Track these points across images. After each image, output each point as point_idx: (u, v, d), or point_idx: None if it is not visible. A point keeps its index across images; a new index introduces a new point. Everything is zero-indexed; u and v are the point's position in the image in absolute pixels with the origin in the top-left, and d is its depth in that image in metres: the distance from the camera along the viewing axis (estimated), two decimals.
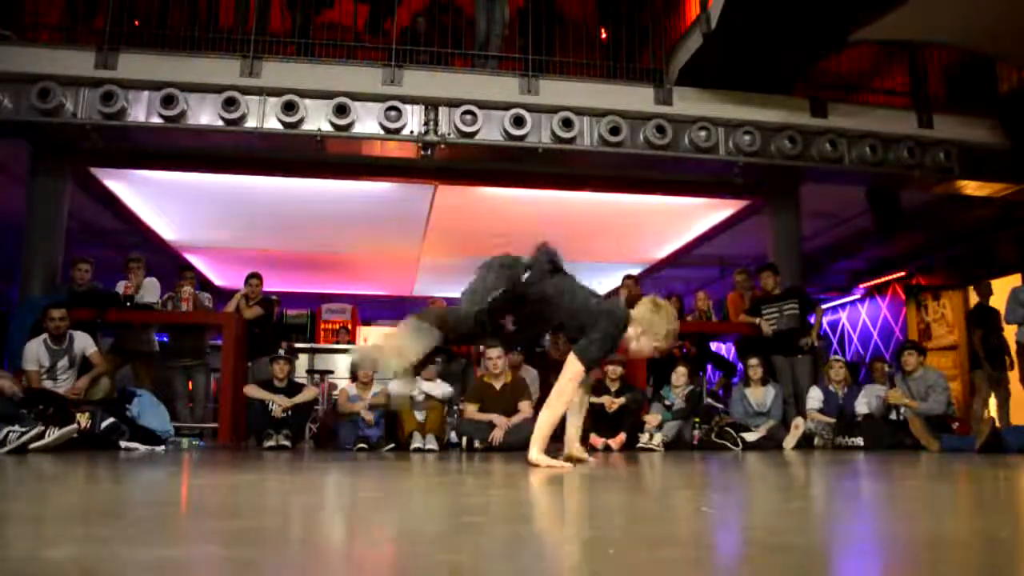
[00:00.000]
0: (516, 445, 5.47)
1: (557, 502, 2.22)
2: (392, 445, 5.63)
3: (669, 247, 10.03)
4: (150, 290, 6.54)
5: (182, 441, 5.71)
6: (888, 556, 1.29)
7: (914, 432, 5.63)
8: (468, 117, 6.45)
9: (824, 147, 6.92)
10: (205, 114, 6.27)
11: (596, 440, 5.69)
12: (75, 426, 4.50)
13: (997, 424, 5.84)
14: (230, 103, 6.19)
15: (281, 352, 6.54)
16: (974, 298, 7.82)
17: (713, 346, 9.06)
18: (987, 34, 6.37)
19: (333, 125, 6.35)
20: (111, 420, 4.90)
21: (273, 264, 10.16)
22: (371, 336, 10.28)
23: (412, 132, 6.47)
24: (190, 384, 6.86)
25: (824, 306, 9.90)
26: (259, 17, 6.66)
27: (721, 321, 7.83)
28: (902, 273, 10.34)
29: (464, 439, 5.70)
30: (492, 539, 1.40)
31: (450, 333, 3.46)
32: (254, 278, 7.03)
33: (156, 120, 6.19)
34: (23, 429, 4.13)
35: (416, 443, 5.50)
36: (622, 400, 5.84)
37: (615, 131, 6.64)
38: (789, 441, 5.89)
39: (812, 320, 6.93)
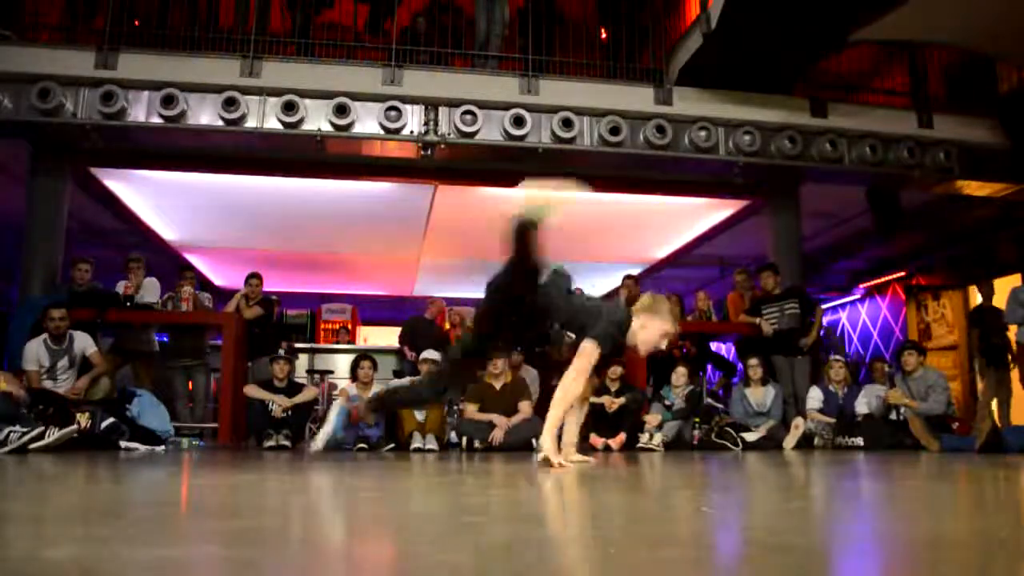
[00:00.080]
0: (516, 445, 5.48)
1: (557, 502, 2.22)
2: (392, 445, 5.63)
3: (669, 247, 10.03)
4: (150, 290, 6.54)
5: (182, 441, 5.71)
6: (888, 556, 1.29)
7: (914, 432, 5.63)
8: (468, 117, 6.45)
9: (824, 147, 6.92)
10: (205, 114, 6.27)
11: (596, 440, 5.69)
12: (75, 426, 4.51)
13: (997, 424, 5.84)
14: (230, 103, 6.19)
15: (281, 352, 6.54)
16: (974, 298, 7.81)
17: (713, 346, 9.06)
18: (987, 34, 6.37)
19: (333, 125, 6.35)
20: (111, 420, 4.91)
21: (273, 264, 10.16)
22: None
23: (412, 132, 6.47)
24: (190, 384, 6.86)
25: (824, 306, 9.90)
26: (259, 17, 6.66)
27: (721, 321, 7.83)
28: (902, 273, 10.34)
29: (464, 439, 5.70)
30: (492, 539, 1.40)
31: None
32: (254, 278, 7.03)
33: (156, 120, 6.19)
34: (24, 429, 4.13)
35: (416, 443, 5.50)
36: (622, 400, 5.84)
37: (615, 131, 6.64)
38: (789, 441, 5.89)
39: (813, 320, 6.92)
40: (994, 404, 7.10)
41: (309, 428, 6.41)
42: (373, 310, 12.64)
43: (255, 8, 6.69)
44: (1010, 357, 7.14)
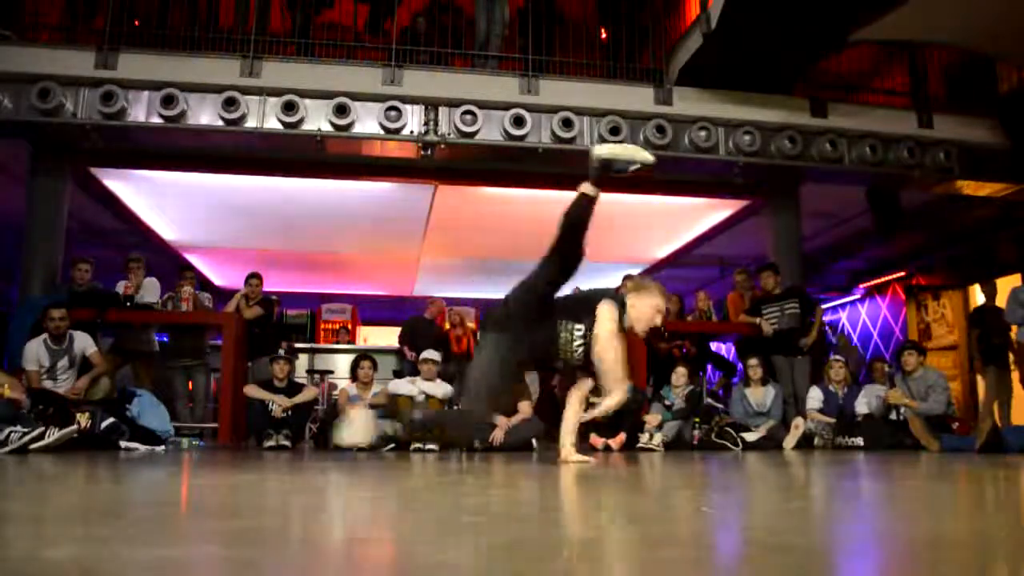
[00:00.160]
0: (516, 445, 5.48)
1: (557, 502, 2.22)
2: (392, 445, 5.63)
3: (669, 247, 10.03)
4: (150, 290, 6.54)
5: (182, 441, 5.70)
6: (888, 556, 1.29)
7: (914, 432, 5.63)
8: (468, 117, 6.45)
9: (824, 147, 6.92)
10: (205, 114, 6.27)
11: (596, 440, 5.69)
12: (75, 426, 4.50)
13: (998, 424, 5.83)
14: (230, 103, 6.19)
15: (281, 352, 6.54)
16: (975, 298, 7.80)
17: (713, 346, 9.05)
18: (987, 34, 6.37)
19: (333, 125, 6.35)
20: (111, 420, 4.91)
21: (273, 264, 10.16)
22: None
23: (412, 132, 6.47)
24: (190, 384, 6.86)
25: (824, 306, 9.90)
26: (259, 17, 6.65)
27: (721, 321, 7.83)
28: (902, 273, 10.33)
29: None
30: (492, 539, 1.40)
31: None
32: (254, 278, 7.03)
33: (156, 120, 6.19)
34: (24, 429, 4.13)
35: (416, 443, 5.50)
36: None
37: (615, 131, 6.63)
38: (789, 441, 5.89)
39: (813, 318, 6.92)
40: (994, 404, 7.11)
41: (309, 428, 6.41)
42: (373, 310, 12.63)
43: (255, 8, 6.69)
44: (1011, 357, 7.15)
